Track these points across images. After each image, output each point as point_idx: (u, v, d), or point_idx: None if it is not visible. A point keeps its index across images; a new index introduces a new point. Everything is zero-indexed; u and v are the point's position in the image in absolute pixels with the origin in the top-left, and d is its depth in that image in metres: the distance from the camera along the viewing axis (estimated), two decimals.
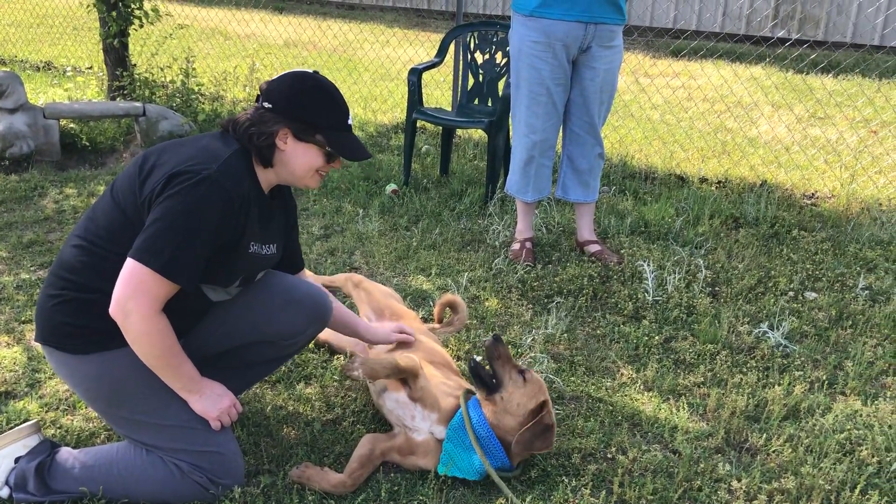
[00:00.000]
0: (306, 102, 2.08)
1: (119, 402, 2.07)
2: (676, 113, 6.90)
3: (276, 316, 2.25)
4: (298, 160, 2.11)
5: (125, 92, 6.08)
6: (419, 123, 5.79)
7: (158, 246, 1.89)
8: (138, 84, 6.17)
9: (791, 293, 3.49)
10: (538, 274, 3.64)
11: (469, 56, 4.96)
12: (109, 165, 5.30)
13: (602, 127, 3.82)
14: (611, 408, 2.62)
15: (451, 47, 5.60)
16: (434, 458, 2.23)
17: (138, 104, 5.42)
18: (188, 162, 1.97)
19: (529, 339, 3.04)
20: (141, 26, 6.11)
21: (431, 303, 3.30)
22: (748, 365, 2.92)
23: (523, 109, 3.71)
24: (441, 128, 5.26)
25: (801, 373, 2.87)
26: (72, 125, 5.47)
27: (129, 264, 1.90)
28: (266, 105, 2.07)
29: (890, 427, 2.54)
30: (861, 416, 2.61)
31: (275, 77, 2.14)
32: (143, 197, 1.97)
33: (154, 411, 2.06)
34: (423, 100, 4.99)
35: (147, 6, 6.17)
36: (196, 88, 6.25)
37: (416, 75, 4.83)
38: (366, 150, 2.18)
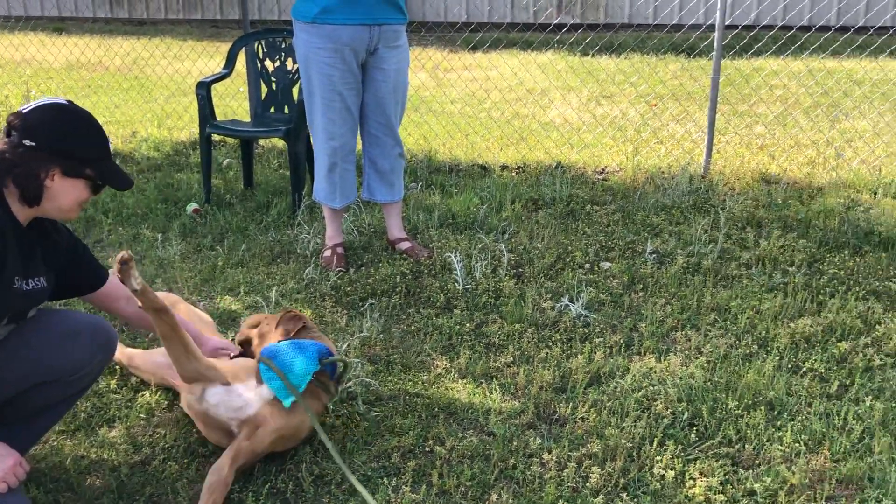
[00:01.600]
0: (74, 139, 2.02)
1: None
2: (474, 105, 7.12)
3: (57, 350, 2.11)
4: (66, 196, 2.03)
5: None
6: (217, 137, 5.62)
7: None
8: None
9: (587, 265, 3.71)
10: (351, 278, 3.63)
11: (259, 65, 4.86)
12: None
13: (399, 126, 3.87)
14: (427, 401, 2.67)
15: (244, 57, 5.48)
16: (279, 414, 2.24)
17: None
18: None
19: (345, 346, 3.03)
20: None
21: (241, 324, 3.20)
22: (553, 339, 3.06)
23: (319, 116, 3.68)
24: (239, 140, 5.12)
25: (601, 339, 3.05)
26: None
27: None
28: (28, 143, 1.95)
29: (680, 379, 2.75)
30: (655, 372, 2.81)
31: (26, 109, 2.01)
32: None
33: None
34: (222, 112, 4.85)
35: None
36: None
37: (204, 89, 4.67)
38: (128, 176, 2.16)
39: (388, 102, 3.72)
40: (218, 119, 4.84)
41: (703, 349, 2.98)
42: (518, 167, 5.36)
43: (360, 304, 3.42)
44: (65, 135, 2.00)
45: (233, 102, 6.99)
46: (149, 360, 2.79)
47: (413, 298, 3.46)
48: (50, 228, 2.15)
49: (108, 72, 9.07)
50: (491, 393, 2.71)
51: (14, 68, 9.09)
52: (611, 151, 5.59)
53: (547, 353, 2.94)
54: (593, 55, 8.82)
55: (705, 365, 2.86)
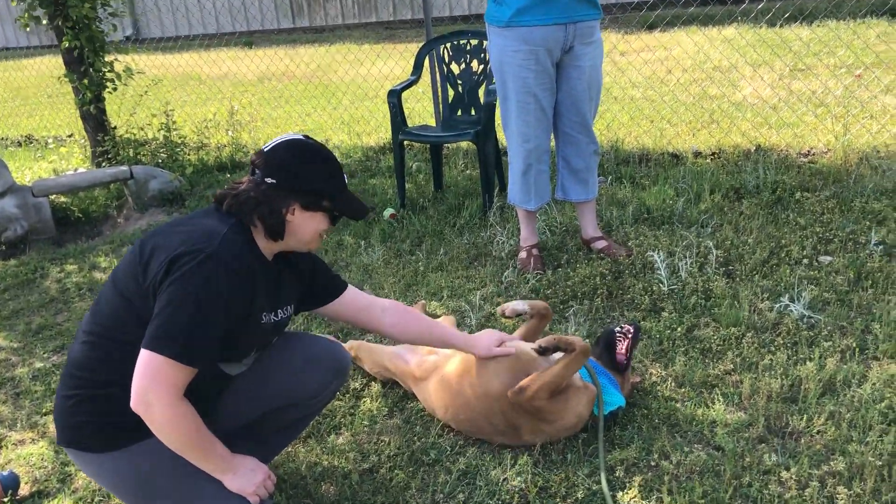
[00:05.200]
0: (311, 174, 2.08)
1: (152, 495, 2.04)
2: (658, 88, 6.87)
3: (299, 377, 2.23)
4: (306, 228, 2.11)
5: (109, 156, 6.06)
6: (406, 142, 5.76)
7: (171, 333, 1.86)
8: (121, 146, 6.15)
9: (805, 260, 3.45)
10: (549, 280, 3.60)
11: (445, 69, 4.93)
12: (106, 233, 5.28)
13: (593, 123, 3.78)
14: (646, 411, 2.59)
15: (427, 61, 5.58)
16: (581, 393, 2.46)
17: (125, 168, 5.40)
18: (187, 243, 1.94)
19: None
20: (115, 89, 6.09)
21: None
22: (775, 343, 2.88)
23: (514, 119, 3.67)
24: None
25: (830, 343, 2.83)
26: (62, 199, 5.45)
27: (144, 355, 1.87)
28: (269, 181, 2.05)
29: None
30: None
31: (267, 147, 2.11)
32: (146, 283, 1.95)
33: (189, 499, 2.03)
34: (407, 116, 4.96)
35: (118, 67, 6.14)
36: (179, 141, 6.23)
37: (395, 97, 4.80)
38: (365, 204, 2.19)
39: (583, 100, 3.64)
40: (407, 124, 4.96)
41: None
42: (713, 153, 5.10)
43: (563, 307, 3.39)
44: (302, 171, 2.07)
45: (417, 105, 7.15)
46: (373, 357, 2.91)
47: (616, 301, 3.38)
48: (291, 255, 2.25)
49: (295, 81, 9.56)
50: (713, 403, 2.59)
51: (214, 84, 9.80)
52: (815, 130, 5.19)
53: (771, 360, 2.77)
54: (782, 25, 8.24)
55: None
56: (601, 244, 3.86)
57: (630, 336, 2.58)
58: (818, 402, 2.52)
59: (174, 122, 6.28)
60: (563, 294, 3.46)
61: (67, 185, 5.28)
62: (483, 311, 3.41)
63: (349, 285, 2.40)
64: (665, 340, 3.00)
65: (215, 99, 9.04)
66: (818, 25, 8.14)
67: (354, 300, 2.39)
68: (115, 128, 6.33)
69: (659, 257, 3.50)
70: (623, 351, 2.56)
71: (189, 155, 6.30)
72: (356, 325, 2.45)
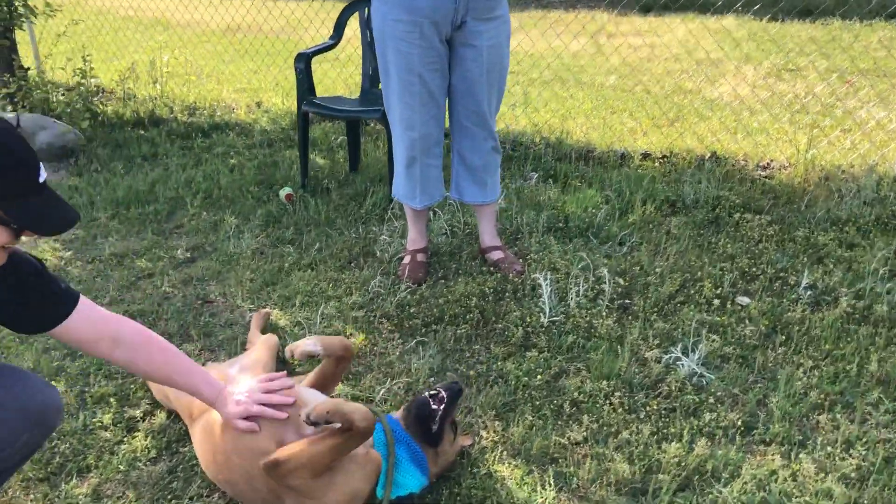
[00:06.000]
0: None
1: None
2: (632, 77, 6.26)
3: None
4: None
5: (15, 100, 5.52)
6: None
7: None
8: (31, 89, 5.60)
9: (717, 301, 2.90)
10: (422, 295, 3.06)
11: (368, 35, 4.35)
12: None
13: (495, 115, 3.22)
14: (456, 490, 2.06)
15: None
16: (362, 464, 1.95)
17: (10, 115, 4.86)
18: None
19: (383, 391, 2.48)
20: (21, 26, 5.52)
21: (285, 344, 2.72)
22: (648, 408, 2.34)
23: (396, 101, 3.11)
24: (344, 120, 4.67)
25: (713, 416, 2.29)
26: None
27: None
28: None
29: (812, 498, 1.96)
30: (777, 480, 2.03)
31: None
32: None
33: None
34: (352, 84, 4.40)
35: (34, 1, 5.58)
36: (94, 90, 5.67)
37: (303, 61, 4.23)
38: (69, 213, 1.62)
39: (480, 86, 3.07)
40: (315, 93, 4.39)
41: (854, 446, 2.15)
42: (663, 156, 4.52)
43: (424, 330, 2.85)
44: None
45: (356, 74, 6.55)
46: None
47: (486, 329, 2.84)
48: None
49: (260, 36, 8.95)
50: (544, 487, 2.06)
51: (175, 32, 9.21)
52: (780, 141, 4.59)
53: (632, 432, 2.23)
54: (783, 20, 7.58)
55: (853, 475, 2.04)
56: (496, 255, 3.32)
57: (443, 404, 2.04)
58: (671, 500, 1.99)
59: (91, 69, 5.71)
60: (427, 315, 2.92)
61: None
62: (331, 328, 2.88)
63: (83, 307, 1.84)
64: (520, 389, 2.46)
65: (173, 47, 8.46)
66: (821, 24, 7.48)
67: (83, 327, 1.82)
68: (27, 69, 5.78)
69: (546, 281, 2.95)
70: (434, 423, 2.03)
71: (106, 106, 5.75)
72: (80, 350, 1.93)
